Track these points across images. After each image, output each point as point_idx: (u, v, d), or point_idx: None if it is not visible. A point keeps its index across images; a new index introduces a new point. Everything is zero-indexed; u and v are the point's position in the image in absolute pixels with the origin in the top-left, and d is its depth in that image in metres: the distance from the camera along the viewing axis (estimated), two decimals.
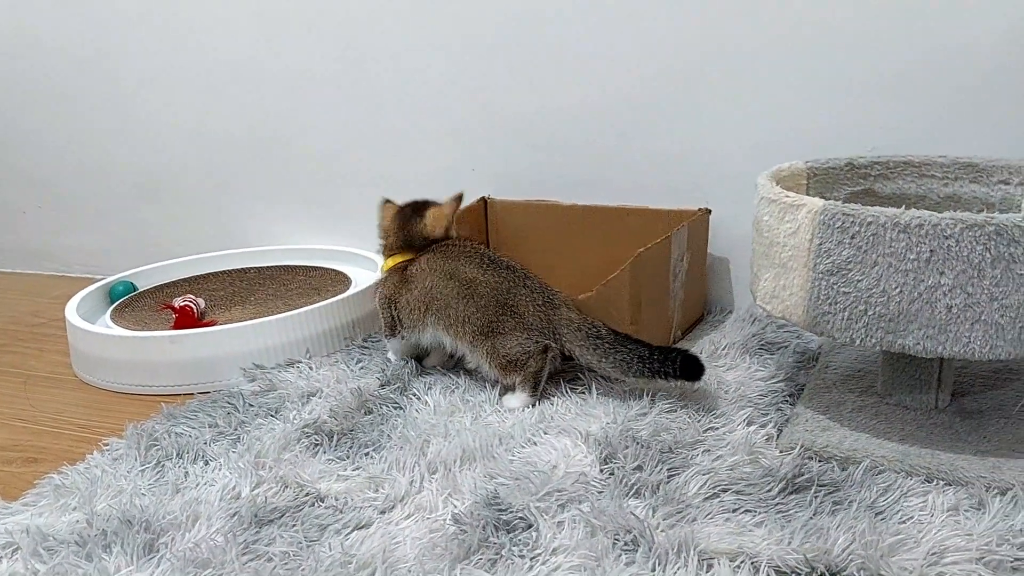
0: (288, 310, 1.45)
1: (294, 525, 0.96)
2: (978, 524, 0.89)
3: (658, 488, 0.99)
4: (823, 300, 1.01)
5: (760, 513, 0.94)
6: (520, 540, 0.91)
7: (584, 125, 1.60)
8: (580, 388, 1.25)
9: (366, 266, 1.73)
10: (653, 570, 0.85)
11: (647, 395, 1.19)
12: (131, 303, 1.64)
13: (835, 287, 0.99)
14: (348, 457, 1.10)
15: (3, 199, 2.19)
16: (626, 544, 0.89)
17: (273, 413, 1.23)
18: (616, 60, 1.54)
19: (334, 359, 1.40)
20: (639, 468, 1.02)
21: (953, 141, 1.35)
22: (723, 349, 1.36)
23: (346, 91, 1.77)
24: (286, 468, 1.07)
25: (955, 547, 0.85)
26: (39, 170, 2.13)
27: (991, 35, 1.31)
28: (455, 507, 0.98)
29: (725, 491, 0.98)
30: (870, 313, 0.98)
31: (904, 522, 0.91)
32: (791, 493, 0.97)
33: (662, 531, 0.91)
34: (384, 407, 1.23)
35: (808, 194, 1.22)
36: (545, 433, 1.12)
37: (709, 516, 0.94)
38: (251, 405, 1.25)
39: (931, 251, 0.93)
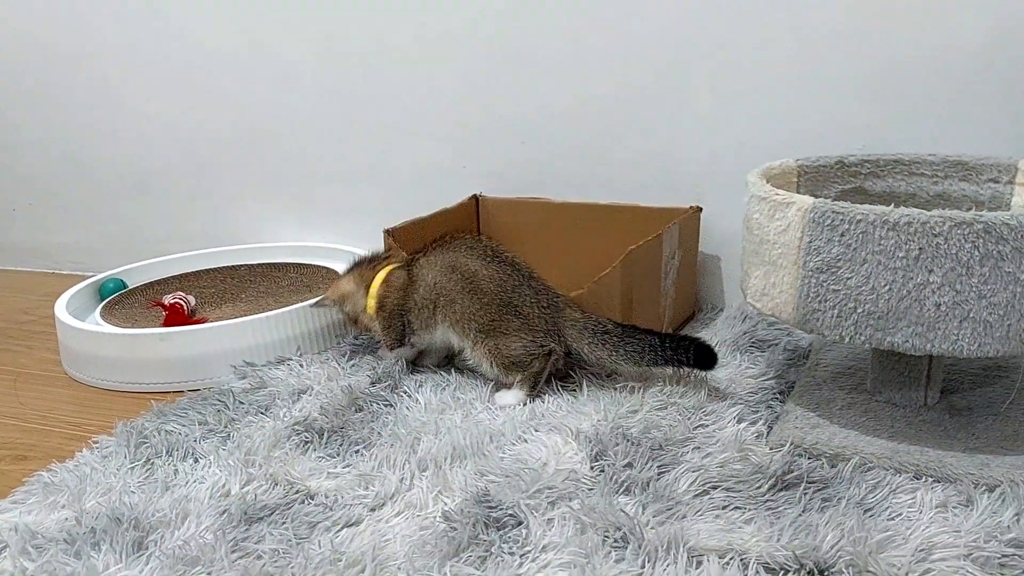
0: (279, 307, 1.44)
1: (284, 523, 0.96)
2: (966, 521, 0.89)
3: (648, 485, 0.99)
4: (813, 297, 1.01)
5: (750, 510, 0.94)
6: (510, 537, 0.91)
7: (576, 123, 1.60)
8: (571, 386, 1.25)
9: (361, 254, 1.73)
10: (642, 567, 0.85)
11: (638, 392, 1.20)
12: (121, 300, 1.63)
13: (825, 285, 1.00)
14: (338, 455, 1.10)
15: None
16: (616, 541, 0.89)
17: (263, 411, 1.23)
18: (607, 59, 1.54)
19: (325, 357, 1.40)
20: (629, 465, 1.02)
21: (943, 140, 1.35)
22: (714, 347, 1.36)
23: (337, 88, 1.77)
24: (276, 466, 1.07)
25: (943, 544, 0.86)
26: (29, 168, 2.12)
27: (981, 34, 1.32)
28: (445, 504, 0.98)
29: (715, 488, 0.98)
30: (859, 311, 0.98)
31: (893, 519, 0.91)
32: (781, 490, 0.98)
33: (652, 528, 0.91)
34: (375, 405, 1.23)
35: (798, 192, 1.23)
36: (536, 430, 1.12)
37: (699, 513, 0.94)
38: (241, 403, 1.25)
39: (920, 249, 0.93)
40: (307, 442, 1.13)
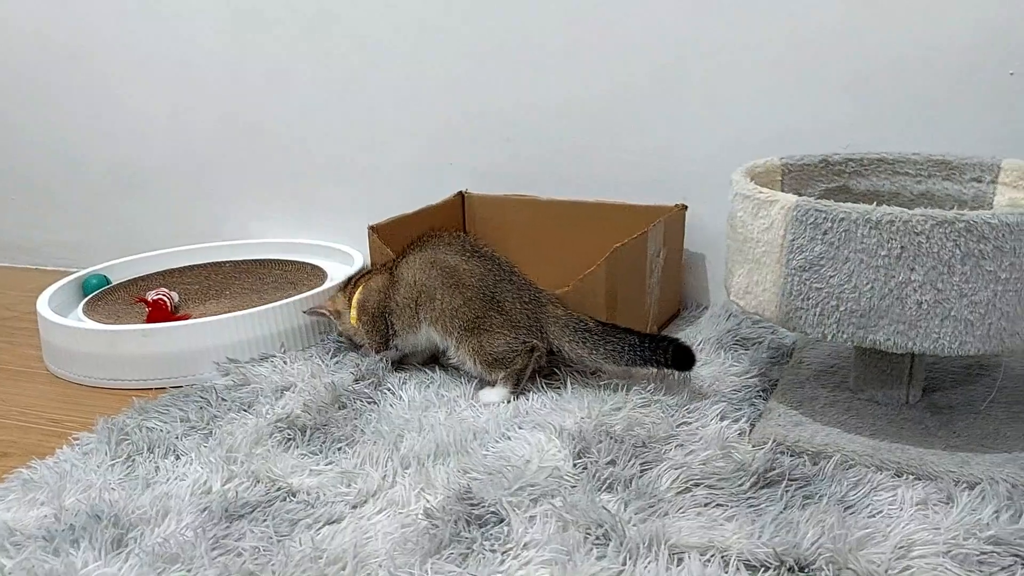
0: (263, 304, 1.44)
1: (265, 520, 0.95)
2: (946, 518, 0.90)
3: (631, 483, 0.99)
4: (795, 296, 1.01)
5: (731, 507, 0.94)
6: (492, 535, 0.91)
7: (562, 121, 1.60)
8: (555, 383, 1.25)
9: (342, 260, 1.73)
10: (624, 564, 0.85)
11: (622, 390, 1.20)
12: (104, 296, 1.62)
13: (807, 283, 1.00)
14: (321, 452, 1.10)
15: None
16: (597, 538, 0.89)
17: (246, 407, 1.22)
18: (594, 56, 1.54)
19: (309, 354, 1.40)
20: (612, 463, 1.02)
21: (927, 139, 1.36)
22: (698, 345, 1.37)
23: (323, 85, 1.76)
24: (258, 463, 1.06)
25: (923, 541, 0.86)
26: (12, 162, 2.11)
27: (966, 35, 1.32)
28: (427, 502, 0.97)
29: (697, 485, 0.98)
30: (842, 309, 0.98)
31: (873, 516, 0.92)
32: (762, 487, 0.98)
33: (633, 525, 0.91)
34: (358, 402, 1.23)
35: (783, 190, 1.23)
36: (519, 428, 1.12)
37: (681, 510, 0.94)
38: (224, 399, 1.24)
39: (902, 247, 0.93)
40: (289, 439, 1.12)
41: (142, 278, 1.71)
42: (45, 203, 2.11)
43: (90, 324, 1.46)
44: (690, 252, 1.58)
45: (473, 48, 1.62)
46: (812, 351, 1.30)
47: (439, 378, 1.29)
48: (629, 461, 1.02)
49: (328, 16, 1.71)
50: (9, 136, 2.08)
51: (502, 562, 0.87)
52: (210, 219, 1.95)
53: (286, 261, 1.77)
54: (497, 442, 1.09)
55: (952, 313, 0.93)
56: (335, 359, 1.37)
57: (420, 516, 0.95)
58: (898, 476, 0.99)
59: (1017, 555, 0.84)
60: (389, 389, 1.26)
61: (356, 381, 1.28)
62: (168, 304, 1.53)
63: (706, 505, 0.95)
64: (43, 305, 1.50)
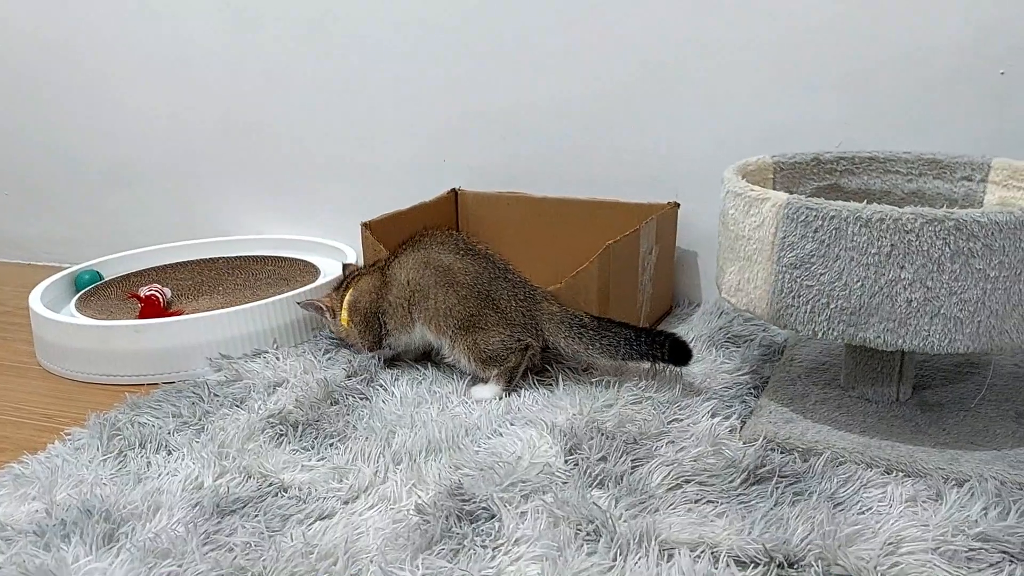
0: (256, 300, 1.44)
1: (256, 515, 0.95)
2: (935, 515, 0.90)
3: (622, 479, 0.99)
4: (786, 293, 1.02)
5: (722, 504, 0.95)
6: (483, 530, 0.91)
7: (555, 119, 1.60)
8: (547, 380, 1.25)
9: (335, 256, 1.73)
10: (614, 560, 0.86)
11: (613, 387, 1.20)
12: (97, 292, 1.62)
13: (798, 280, 1.00)
14: (313, 447, 1.10)
15: None
16: (588, 534, 0.89)
17: (238, 403, 1.22)
18: (587, 55, 1.54)
19: (301, 350, 1.40)
20: (603, 459, 1.03)
21: (918, 138, 1.36)
22: (690, 342, 1.36)
23: (317, 81, 1.76)
24: (250, 458, 1.06)
25: (911, 537, 0.86)
26: (5, 158, 2.10)
27: (957, 34, 1.33)
28: (419, 497, 0.97)
29: (688, 482, 0.99)
30: (832, 306, 0.99)
31: (863, 513, 0.92)
32: (753, 484, 0.98)
33: (624, 521, 0.91)
34: (350, 398, 1.23)
35: (775, 188, 1.24)
36: (511, 424, 1.12)
37: (671, 507, 0.94)
38: (216, 395, 1.24)
39: (892, 245, 0.94)
40: (281, 435, 1.12)
41: (135, 274, 1.71)
42: (38, 199, 2.11)
43: (82, 320, 1.46)
44: (682, 250, 1.58)
45: (468, 46, 1.62)
46: (803, 349, 1.31)
47: (431, 374, 1.29)
48: (620, 457, 1.03)
49: (324, 13, 1.70)
50: (2, 132, 2.07)
51: (493, 558, 0.87)
52: (203, 215, 1.95)
53: (279, 257, 1.77)
54: (489, 438, 1.10)
55: (942, 311, 0.94)
56: (327, 355, 1.37)
57: (411, 512, 0.95)
58: (888, 473, 0.99)
59: (1005, 551, 0.85)
60: (381, 385, 1.26)
61: (348, 377, 1.28)
62: (161, 300, 1.53)
63: (696, 501, 0.95)
64: (35, 301, 1.50)
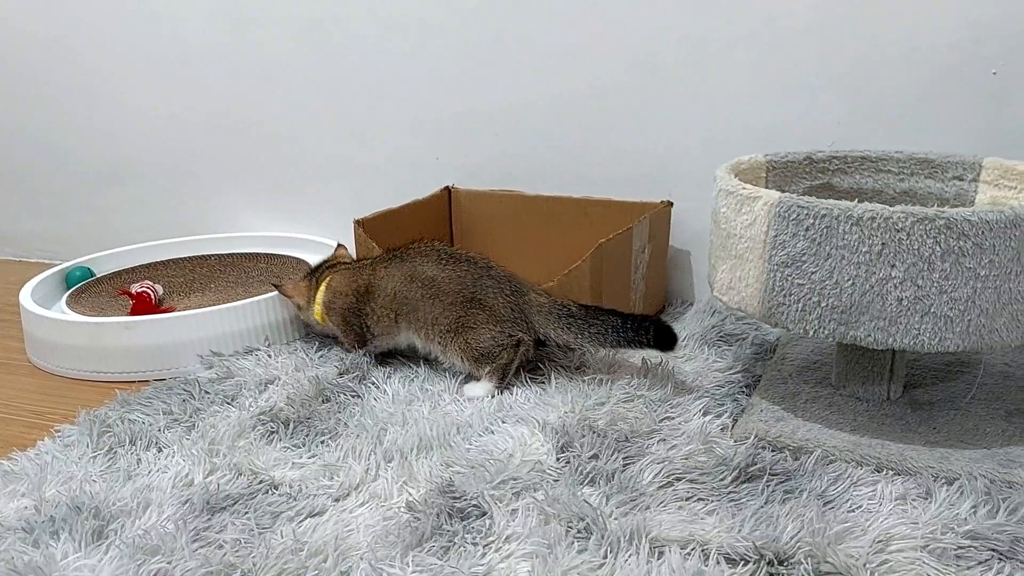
0: (248, 297, 1.43)
1: (246, 512, 0.95)
2: (924, 513, 0.90)
3: (613, 477, 0.99)
4: (778, 291, 1.02)
5: (713, 502, 0.95)
6: (473, 528, 0.91)
7: (548, 117, 1.60)
8: (540, 378, 1.25)
9: (328, 254, 1.72)
10: (605, 557, 0.86)
11: (606, 385, 1.20)
12: (88, 289, 1.61)
13: (789, 279, 1.00)
14: (304, 445, 1.10)
15: None
16: (579, 532, 0.89)
17: (229, 400, 1.22)
18: (581, 53, 1.54)
19: (293, 347, 1.39)
20: (595, 457, 1.03)
21: (910, 137, 1.37)
22: (682, 340, 1.37)
23: (310, 78, 1.75)
24: (240, 455, 1.06)
25: (901, 535, 0.87)
26: None
27: (948, 34, 1.33)
28: (410, 495, 0.97)
29: (679, 480, 0.99)
30: (823, 305, 0.99)
31: (853, 511, 0.92)
32: (744, 482, 0.98)
33: (615, 519, 0.91)
34: (342, 395, 1.23)
35: (767, 187, 1.24)
36: (503, 422, 1.12)
37: (662, 504, 0.95)
38: (207, 392, 1.24)
39: (883, 244, 0.94)
40: (272, 432, 1.12)
41: (126, 271, 1.71)
42: (29, 195, 2.10)
43: (73, 316, 1.45)
44: (675, 249, 1.58)
45: (463, 45, 1.62)
46: (795, 347, 1.31)
47: (423, 372, 1.29)
48: (612, 455, 1.03)
49: (318, 11, 1.70)
50: None
51: (483, 555, 0.87)
52: (195, 212, 1.95)
53: (271, 255, 1.76)
54: (480, 436, 1.10)
55: (932, 309, 0.94)
56: (319, 353, 1.37)
57: (402, 509, 0.95)
58: (878, 471, 1.00)
59: (994, 549, 0.85)
60: (373, 383, 1.26)
61: (340, 375, 1.28)
62: (152, 297, 1.53)
63: (687, 499, 0.96)
64: (26, 297, 1.49)
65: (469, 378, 1.25)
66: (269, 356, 1.35)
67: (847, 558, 0.83)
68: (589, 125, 1.58)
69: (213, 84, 1.84)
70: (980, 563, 0.84)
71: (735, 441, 1.07)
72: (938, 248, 0.92)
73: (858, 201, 0.96)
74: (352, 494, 0.99)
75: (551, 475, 1.00)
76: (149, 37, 1.85)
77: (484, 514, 0.93)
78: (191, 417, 1.17)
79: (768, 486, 0.97)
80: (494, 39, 1.60)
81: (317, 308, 1.34)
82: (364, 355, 1.33)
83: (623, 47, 1.51)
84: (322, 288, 1.34)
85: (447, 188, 1.67)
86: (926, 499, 0.93)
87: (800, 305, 1.00)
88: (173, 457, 1.07)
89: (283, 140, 1.82)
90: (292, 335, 1.45)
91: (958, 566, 0.83)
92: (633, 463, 1.02)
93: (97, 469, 1.05)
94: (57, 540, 0.90)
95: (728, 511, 0.92)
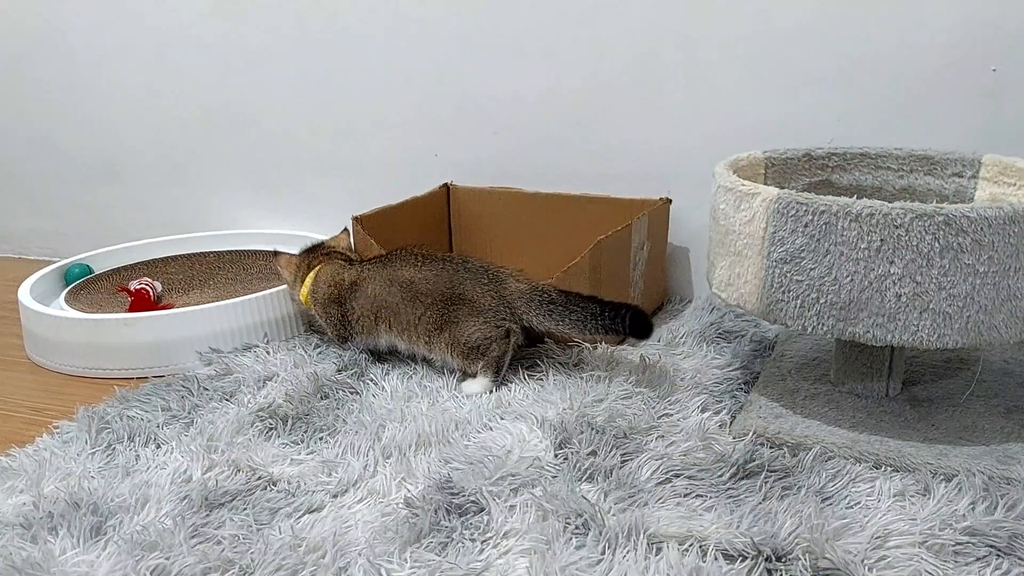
0: (246, 294, 1.43)
1: (245, 508, 0.95)
2: (923, 509, 0.90)
3: (611, 473, 0.99)
4: (776, 288, 1.02)
5: (711, 498, 0.95)
6: (472, 524, 0.91)
7: (547, 114, 1.60)
8: (538, 375, 1.25)
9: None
10: (603, 554, 0.86)
11: (604, 381, 1.20)
12: (87, 286, 1.61)
13: (788, 275, 1.00)
14: (302, 441, 1.10)
15: None
16: (577, 528, 0.89)
17: (228, 397, 1.22)
18: (579, 50, 1.54)
19: (292, 344, 1.40)
20: (593, 453, 1.03)
21: (909, 134, 1.37)
22: (681, 337, 1.37)
23: (309, 75, 1.75)
24: (239, 452, 1.06)
25: (899, 531, 0.87)
26: None
27: (948, 31, 1.33)
28: (408, 491, 0.97)
29: (677, 476, 0.99)
30: (822, 301, 0.99)
31: (851, 507, 0.92)
32: (742, 478, 0.98)
33: (613, 515, 0.91)
34: (340, 392, 1.23)
35: (766, 184, 1.24)
36: (501, 418, 1.12)
37: (660, 501, 0.94)
38: (206, 389, 1.24)
39: (882, 240, 0.94)
40: (271, 428, 1.12)
41: (125, 267, 1.71)
42: (28, 192, 2.10)
43: (72, 313, 1.45)
44: (674, 246, 1.58)
45: (460, 41, 1.62)
46: (794, 344, 1.31)
47: (422, 369, 1.29)
48: (610, 452, 1.03)
49: (315, 6, 1.70)
50: None
51: (481, 551, 0.87)
52: (194, 209, 1.95)
53: (270, 252, 1.76)
54: (479, 432, 1.10)
55: (931, 306, 0.94)
56: (318, 349, 1.37)
57: (400, 505, 0.95)
58: (876, 468, 1.00)
59: (992, 546, 0.85)
60: (372, 379, 1.26)
61: (339, 371, 1.28)
62: (151, 294, 1.53)
63: (685, 495, 0.96)
64: (25, 294, 1.49)
65: (466, 378, 1.25)
66: (268, 353, 1.35)
67: (845, 554, 0.83)
68: (588, 122, 1.58)
69: (211, 82, 1.83)
70: (978, 559, 0.84)
71: (733, 438, 1.07)
72: (937, 244, 0.92)
73: (857, 198, 0.96)
74: (350, 490, 0.99)
75: (549, 471, 1.00)
76: (146, 35, 1.85)
77: (482, 510, 0.93)
78: (189, 413, 1.17)
79: (766, 482, 0.97)
80: (493, 36, 1.60)
81: (303, 292, 1.36)
82: (350, 350, 1.34)
83: (622, 45, 1.51)
84: (311, 275, 1.36)
85: (446, 185, 1.67)
86: (924, 495, 0.93)
87: (799, 301, 1.00)
88: (171, 453, 1.07)
89: (282, 137, 1.82)
90: (291, 332, 1.45)
91: (956, 562, 0.83)
92: (631, 459, 1.02)
93: (95, 465, 1.05)
94: (55, 536, 0.90)
95: (726, 507, 0.92)
